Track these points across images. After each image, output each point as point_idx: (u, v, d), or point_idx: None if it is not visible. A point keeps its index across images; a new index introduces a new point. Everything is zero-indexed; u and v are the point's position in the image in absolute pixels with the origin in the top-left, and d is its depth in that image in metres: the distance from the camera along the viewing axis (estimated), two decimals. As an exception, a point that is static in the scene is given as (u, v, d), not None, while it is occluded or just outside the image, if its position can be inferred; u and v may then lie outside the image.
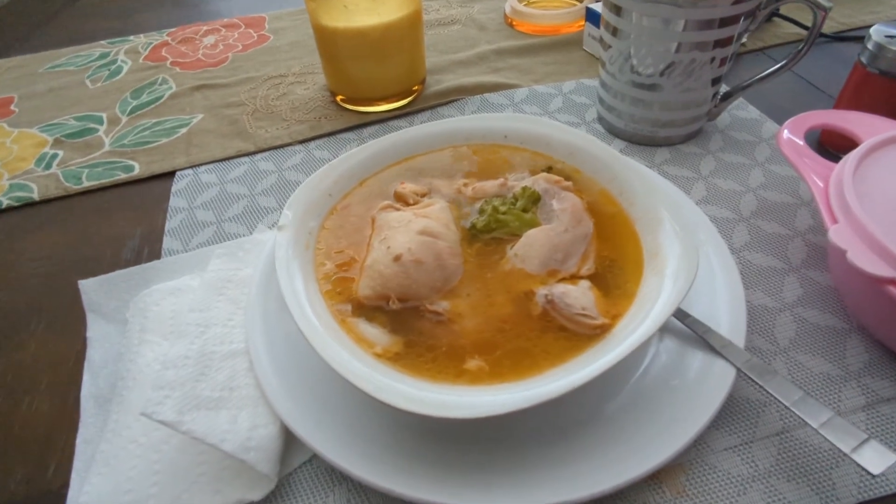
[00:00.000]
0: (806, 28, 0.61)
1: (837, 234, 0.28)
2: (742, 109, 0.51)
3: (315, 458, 0.29)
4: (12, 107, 0.62)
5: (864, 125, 0.36)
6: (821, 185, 0.32)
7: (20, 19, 0.85)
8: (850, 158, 0.32)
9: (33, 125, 0.58)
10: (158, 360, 0.32)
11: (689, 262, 0.27)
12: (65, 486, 0.30)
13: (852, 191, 0.30)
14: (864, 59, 0.42)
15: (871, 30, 0.41)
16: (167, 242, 0.43)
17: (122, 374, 0.33)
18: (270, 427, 0.28)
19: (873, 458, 0.24)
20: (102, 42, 0.73)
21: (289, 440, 0.29)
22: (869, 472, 0.23)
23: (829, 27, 0.61)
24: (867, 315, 0.31)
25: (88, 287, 0.38)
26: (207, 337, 0.31)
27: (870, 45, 0.41)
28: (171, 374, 0.28)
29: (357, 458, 0.27)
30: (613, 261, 0.31)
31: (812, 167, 0.34)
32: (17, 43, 0.77)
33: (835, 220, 0.30)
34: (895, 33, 0.41)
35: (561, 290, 0.28)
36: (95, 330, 0.36)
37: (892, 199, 0.30)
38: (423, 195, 0.35)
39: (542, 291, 0.29)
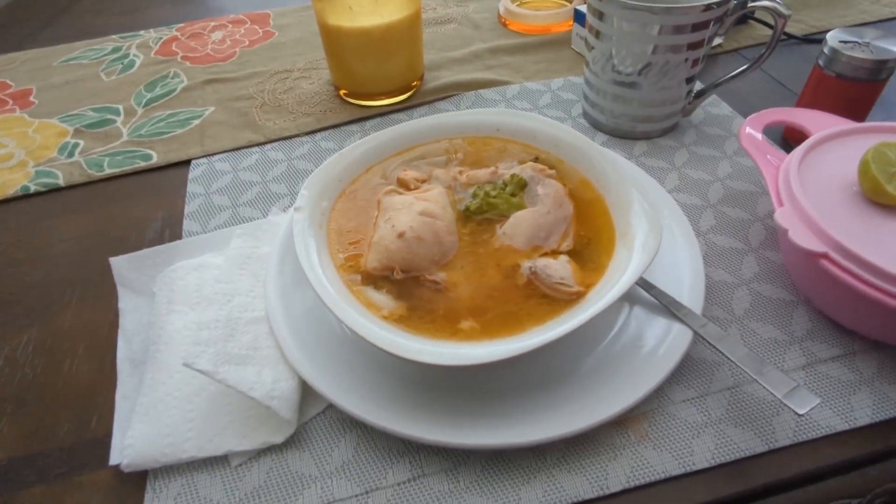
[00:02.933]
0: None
1: (782, 216, 0.33)
2: (715, 106, 0.55)
3: (328, 410, 0.34)
4: (31, 98, 0.65)
5: (815, 121, 0.40)
6: (773, 174, 0.37)
7: (31, 14, 0.88)
8: (798, 151, 0.36)
9: (53, 116, 0.62)
10: (188, 325, 0.36)
11: (654, 238, 0.31)
12: (107, 434, 0.34)
13: (797, 179, 0.34)
14: (821, 63, 0.46)
15: (828, 35, 0.45)
16: (187, 225, 0.47)
17: (153, 339, 0.37)
18: (290, 381, 0.33)
19: (801, 401, 0.28)
20: (114, 36, 0.77)
21: (305, 394, 0.34)
22: (796, 413, 0.28)
23: (799, 29, 0.66)
24: (809, 288, 0.36)
25: (119, 263, 0.42)
26: (233, 305, 0.35)
27: (826, 50, 0.45)
28: (205, 333, 0.32)
29: (366, 406, 0.31)
30: (590, 239, 0.35)
31: (768, 159, 0.38)
32: (29, 37, 0.80)
33: (782, 205, 0.34)
34: (849, 39, 0.45)
35: (543, 263, 0.33)
36: (126, 302, 0.40)
37: (830, 185, 0.34)
38: (423, 181, 0.39)
39: (526, 264, 0.33)
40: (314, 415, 0.33)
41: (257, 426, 0.32)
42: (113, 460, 0.32)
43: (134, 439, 0.31)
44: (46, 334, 0.40)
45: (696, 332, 0.33)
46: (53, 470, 0.33)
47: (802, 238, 0.31)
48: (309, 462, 0.32)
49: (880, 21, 0.67)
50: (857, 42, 0.44)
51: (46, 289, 0.43)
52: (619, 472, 0.30)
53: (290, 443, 0.32)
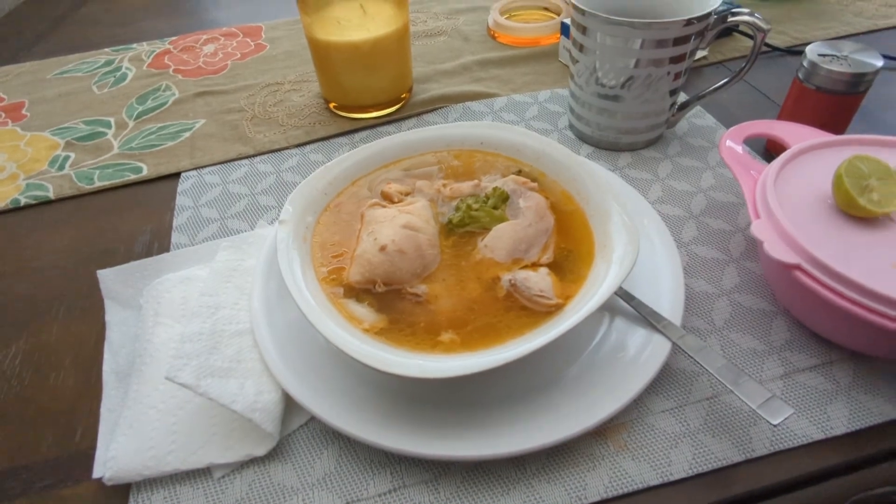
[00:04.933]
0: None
1: (757, 228, 0.33)
2: (700, 117, 0.56)
3: (310, 422, 0.34)
4: (24, 111, 0.66)
5: (793, 134, 0.41)
6: (752, 186, 0.37)
7: (25, 27, 0.89)
8: (775, 164, 0.37)
9: (45, 129, 0.62)
10: (174, 338, 0.36)
11: (631, 250, 0.32)
12: (91, 447, 0.34)
13: (773, 191, 0.35)
14: (801, 76, 0.47)
15: (807, 49, 0.46)
16: (175, 237, 0.47)
17: (139, 352, 0.37)
18: (273, 393, 0.33)
19: (775, 412, 0.29)
20: (107, 49, 0.77)
21: (288, 406, 0.34)
22: (770, 423, 0.28)
23: (783, 41, 0.67)
24: (787, 298, 0.37)
25: (106, 276, 0.43)
26: (217, 317, 0.35)
27: (805, 63, 0.46)
28: (188, 346, 0.32)
29: (348, 418, 0.31)
30: (570, 251, 0.35)
31: (747, 171, 0.39)
32: (24, 50, 0.81)
33: (759, 216, 0.35)
34: (828, 52, 0.46)
35: (523, 275, 0.33)
36: (113, 314, 0.41)
37: (805, 198, 0.35)
38: (407, 194, 0.39)
39: (506, 277, 0.34)
40: (296, 427, 0.34)
41: (240, 439, 0.32)
42: (96, 473, 0.32)
43: (117, 452, 0.32)
44: (33, 346, 0.40)
45: (674, 343, 0.33)
46: (37, 483, 0.33)
47: (777, 250, 0.32)
48: (291, 474, 0.32)
49: (863, 33, 0.68)
50: (835, 55, 0.45)
51: (34, 301, 0.43)
52: (598, 482, 0.30)
53: (273, 455, 0.32)
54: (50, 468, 0.34)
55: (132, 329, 0.40)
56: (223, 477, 0.32)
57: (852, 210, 0.33)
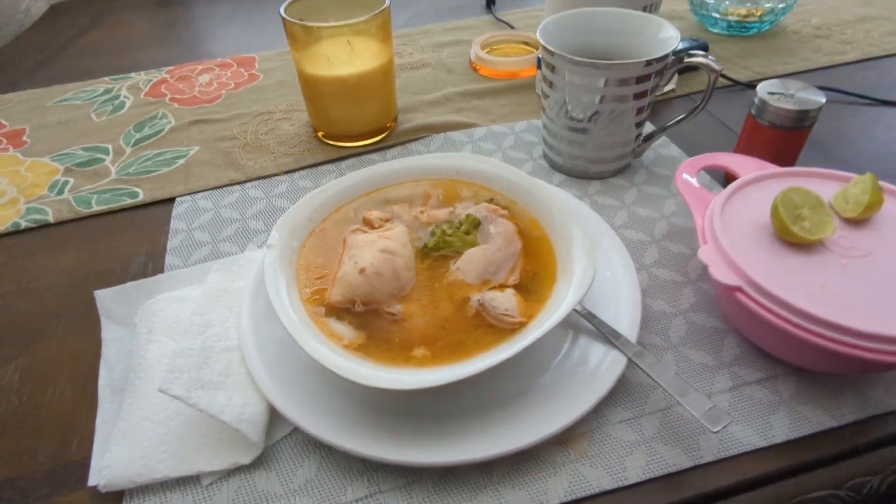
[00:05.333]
0: (726, 78, 0.70)
1: (703, 253, 0.37)
2: (665, 148, 0.60)
3: (293, 433, 0.36)
4: (24, 137, 0.69)
5: (742, 165, 0.44)
6: (702, 214, 0.41)
7: (26, 55, 0.92)
8: (723, 194, 0.40)
9: (45, 155, 0.65)
10: (166, 354, 0.39)
11: (590, 271, 0.35)
12: (87, 458, 0.36)
13: (719, 219, 0.38)
14: (753, 112, 0.51)
15: (757, 88, 0.50)
16: (169, 259, 0.50)
17: (133, 367, 0.39)
18: (258, 405, 0.35)
19: (715, 420, 0.31)
20: (106, 78, 0.81)
21: (272, 418, 0.36)
22: (710, 430, 0.31)
23: (745, 75, 0.71)
24: (734, 317, 0.40)
25: (103, 296, 0.45)
26: (207, 335, 0.38)
27: (756, 101, 0.50)
28: (180, 361, 0.35)
29: (328, 428, 0.34)
30: (535, 273, 0.39)
31: (700, 200, 0.42)
32: (24, 78, 0.84)
33: (706, 242, 0.38)
34: (776, 91, 0.50)
35: (490, 296, 0.36)
36: (109, 332, 0.43)
37: (748, 225, 0.38)
38: (387, 220, 0.42)
39: (475, 297, 0.37)
40: (280, 437, 0.36)
41: (227, 448, 0.34)
42: (91, 481, 0.34)
43: (111, 461, 0.34)
44: (32, 363, 0.43)
45: (630, 359, 0.36)
46: (34, 492, 0.35)
47: (720, 273, 0.35)
48: (275, 481, 0.34)
49: (820, 68, 0.72)
50: (783, 94, 0.49)
51: (33, 320, 0.46)
52: (558, 486, 0.33)
53: (258, 463, 0.35)
54: (46, 478, 0.36)
55: (127, 346, 0.42)
56: (211, 484, 0.34)
57: (787, 237, 0.36)
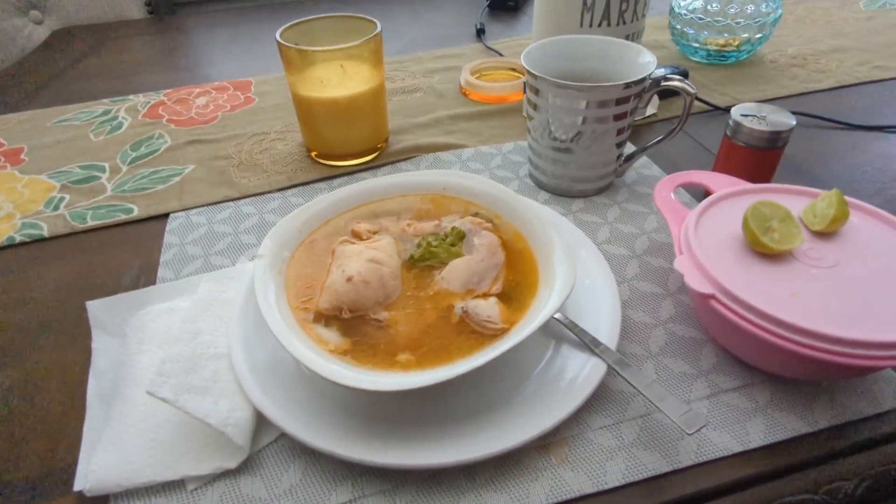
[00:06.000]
0: (704, 102, 0.73)
1: (679, 263, 0.38)
2: (647, 168, 0.62)
3: (279, 440, 0.37)
4: (23, 156, 0.70)
5: (717, 182, 0.46)
6: (678, 227, 0.42)
7: (27, 78, 0.94)
8: (698, 208, 0.42)
9: (42, 172, 0.66)
10: (155, 363, 0.39)
11: (570, 280, 0.36)
12: (73, 464, 0.36)
13: (694, 232, 0.40)
14: (728, 133, 0.53)
15: (732, 110, 0.52)
16: (161, 272, 0.51)
17: (122, 376, 0.40)
18: (245, 411, 0.36)
19: (690, 423, 0.32)
20: (105, 100, 0.83)
21: (258, 425, 0.37)
22: (686, 432, 0.32)
23: (723, 101, 0.74)
24: (711, 327, 0.41)
25: (94, 307, 0.46)
26: (197, 342, 0.39)
27: (731, 122, 0.52)
28: (169, 366, 0.36)
29: (313, 433, 0.34)
30: (518, 283, 0.40)
31: (676, 215, 0.44)
32: (26, 100, 0.86)
33: (682, 253, 0.39)
34: (749, 113, 0.52)
35: (473, 303, 0.37)
36: (100, 342, 0.44)
37: (721, 237, 0.40)
38: (375, 232, 0.44)
39: (459, 304, 0.38)
40: (266, 444, 0.36)
41: (213, 452, 0.35)
42: (77, 486, 0.34)
43: (98, 466, 0.34)
44: (21, 373, 0.43)
45: (609, 366, 0.37)
46: (19, 497, 0.35)
47: (695, 281, 0.36)
48: (260, 486, 0.34)
49: (795, 95, 0.75)
50: (755, 116, 0.52)
51: (24, 331, 0.46)
52: (540, 491, 0.34)
53: (243, 468, 0.35)
54: (31, 484, 0.36)
55: (117, 356, 0.42)
56: (196, 489, 0.34)
57: (758, 247, 0.38)
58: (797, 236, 0.38)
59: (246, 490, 0.34)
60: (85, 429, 0.38)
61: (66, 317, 0.47)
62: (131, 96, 0.83)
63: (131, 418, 0.37)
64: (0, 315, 0.48)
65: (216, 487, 0.34)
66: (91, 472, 0.34)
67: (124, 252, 0.54)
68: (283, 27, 0.59)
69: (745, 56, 0.84)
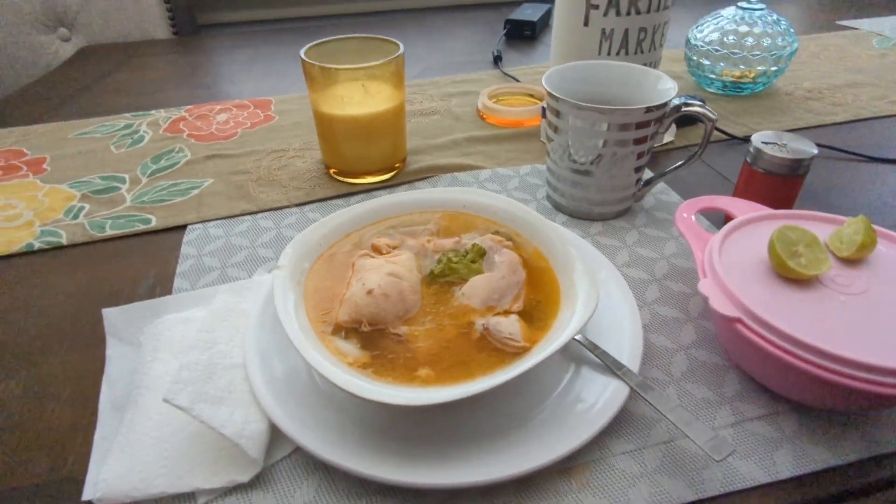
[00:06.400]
0: (721, 132, 0.74)
1: (704, 286, 0.37)
2: (665, 194, 0.62)
3: (293, 454, 0.36)
4: (45, 165, 0.71)
5: (738, 207, 0.46)
6: (701, 250, 0.42)
7: (51, 92, 0.96)
8: (721, 232, 0.42)
9: (63, 182, 0.67)
10: (170, 372, 0.39)
11: (592, 298, 0.36)
12: (83, 473, 0.35)
13: (718, 255, 0.39)
14: (748, 160, 0.53)
15: (752, 137, 0.53)
16: (177, 282, 0.51)
17: (136, 384, 0.39)
18: (260, 423, 0.35)
19: (718, 449, 0.31)
20: (127, 114, 0.84)
21: (273, 438, 0.36)
22: (714, 459, 0.31)
23: (740, 131, 0.74)
24: (736, 353, 0.40)
25: (110, 314, 0.46)
26: (213, 351, 0.38)
27: (752, 149, 0.52)
28: (185, 373, 0.35)
29: (329, 448, 0.33)
30: (539, 301, 0.39)
31: (698, 238, 0.44)
32: (49, 112, 0.88)
33: (706, 276, 0.39)
34: (770, 141, 0.52)
35: (495, 320, 0.37)
36: (114, 350, 0.43)
37: (746, 261, 0.39)
38: (395, 247, 0.43)
39: (480, 321, 0.37)
40: (279, 458, 0.36)
41: (225, 466, 0.34)
42: (86, 495, 0.34)
43: (108, 474, 0.33)
44: (34, 379, 0.43)
45: (632, 388, 0.36)
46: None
47: (720, 305, 0.36)
48: (272, 502, 0.34)
49: (812, 127, 0.76)
50: (776, 143, 0.52)
51: (38, 337, 0.46)
52: (560, 516, 0.33)
53: (256, 483, 0.34)
54: (39, 492, 0.35)
55: (130, 364, 0.42)
56: (207, 503, 0.33)
57: (784, 272, 0.37)
58: (824, 262, 0.37)
59: (257, 505, 0.33)
60: (96, 437, 0.37)
61: (80, 324, 0.47)
62: (153, 111, 0.85)
63: (144, 427, 0.36)
64: (15, 320, 0.48)
65: (227, 502, 0.33)
66: (101, 481, 0.33)
67: (141, 262, 0.54)
68: (308, 45, 0.60)
69: (760, 88, 0.84)
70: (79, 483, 0.35)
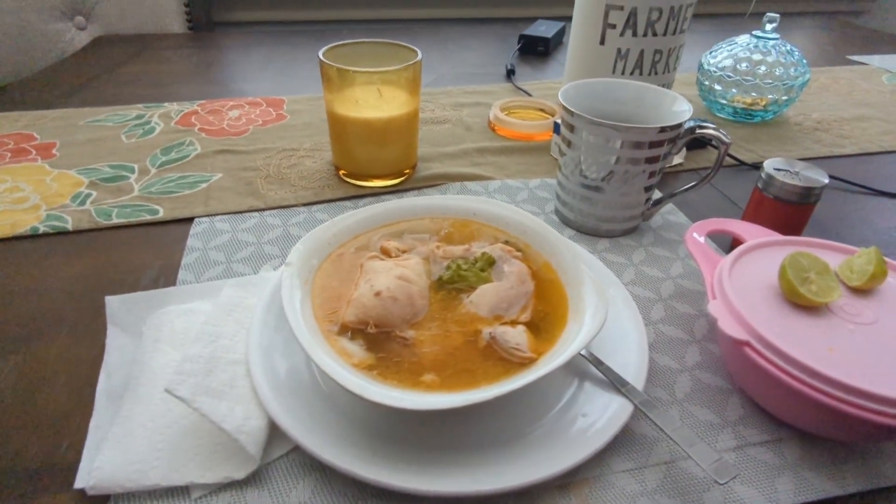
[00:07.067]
0: (731, 157, 0.74)
1: (713, 307, 0.37)
2: (673, 215, 0.62)
3: (290, 454, 0.35)
4: (54, 151, 0.71)
5: (747, 231, 0.46)
6: (711, 272, 0.42)
7: (64, 80, 0.96)
8: (732, 255, 0.42)
9: (71, 168, 0.67)
10: (170, 363, 0.39)
11: (601, 312, 0.36)
12: (75, 461, 0.35)
13: (728, 277, 0.39)
14: (759, 185, 0.53)
15: (764, 164, 0.53)
16: (182, 275, 0.50)
17: (135, 374, 0.39)
18: (260, 420, 0.35)
19: (722, 473, 0.31)
20: (139, 105, 0.84)
21: (271, 436, 0.36)
22: (717, 482, 0.31)
23: (749, 157, 0.75)
24: (741, 377, 0.40)
25: (113, 302, 0.45)
26: (216, 345, 0.38)
27: (763, 175, 0.53)
28: (188, 366, 0.35)
29: (328, 449, 0.33)
30: (547, 313, 0.39)
31: (708, 259, 0.44)
32: (61, 99, 0.88)
33: (715, 298, 0.39)
34: (782, 168, 0.52)
35: (502, 330, 0.37)
36: (114, 339, 0.43)
37: (756, 285, 0.39)
38: (404, 251, 0.43)
39: (487, 330, 0.37)
40: (277, 457, 0.35)
41: (221, 461, 0.34)
42: (78, 484, 0.33)
43: (102, 463, 0.33)
44: (30, 363, 0.42)
45: (636, 406, 0.36)
46: (16, 490, 0.34)
47: (729, 327, 0.36)
48: (266, 500, 0.33)
49: (820, 157, 0.76)
50: (788, 170, 0.52)
51: (37, 321, 0.46)
52: (559, 531, 0.32)
53: (251, 481, 0.34)
54: (30, 478, 0.34)
55: (130, 353, 0.42)
56: (201, 497, 0.33)
57: (795, 298, 0.37)
58: (835, 290, 0.37)
59: (252, 503, 0.33)
60: (91, 425, 0.37)
61: (81, 311, 0.47)
62: (165, 104, 0.85)
63: (141, 417, 0.36)
64: (15, 302, 0.47)
65: (221, 498, 0.33)
66: (95, 470, 0.33)
67: (146, 252, 0.54)
68: (326, 47, 0.60)
69: (770, 116, 0.85)
70: (71, 471, 0.34)
